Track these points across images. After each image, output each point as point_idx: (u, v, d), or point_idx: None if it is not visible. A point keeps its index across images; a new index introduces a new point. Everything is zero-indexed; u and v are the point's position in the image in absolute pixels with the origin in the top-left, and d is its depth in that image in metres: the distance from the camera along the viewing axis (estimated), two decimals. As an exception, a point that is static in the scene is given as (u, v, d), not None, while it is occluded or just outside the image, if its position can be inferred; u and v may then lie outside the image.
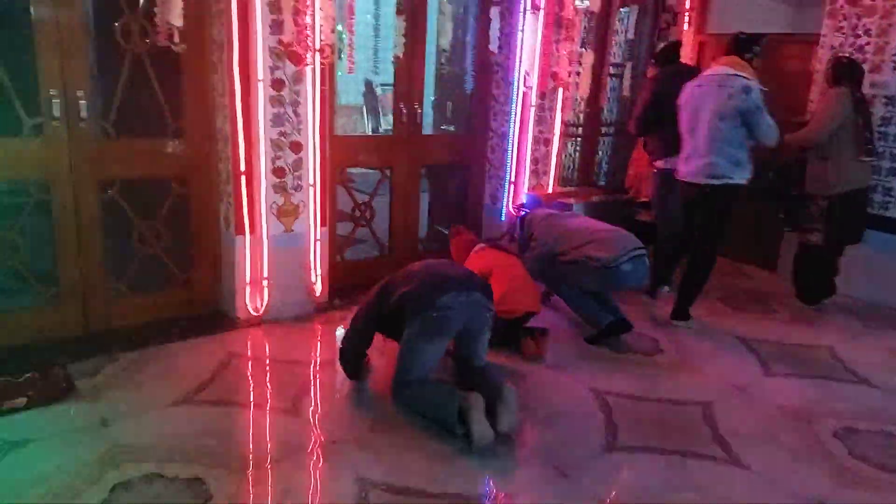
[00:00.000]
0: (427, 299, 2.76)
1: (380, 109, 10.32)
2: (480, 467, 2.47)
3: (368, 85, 10.31)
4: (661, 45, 4.89)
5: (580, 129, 5.59)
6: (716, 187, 3.78)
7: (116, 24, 3.27)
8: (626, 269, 3.60)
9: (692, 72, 4.42)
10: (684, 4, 5.51)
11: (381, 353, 3.18)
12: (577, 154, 5.71)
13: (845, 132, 4.09)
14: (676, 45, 4.66)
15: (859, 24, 4.54)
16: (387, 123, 9.42)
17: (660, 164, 4.41)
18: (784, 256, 5.04)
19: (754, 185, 4.31)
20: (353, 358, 3.02)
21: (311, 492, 2.33)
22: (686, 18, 5.55)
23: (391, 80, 6.14)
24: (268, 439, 2.64)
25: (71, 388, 2.86)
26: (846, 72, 4.22)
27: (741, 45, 3.88)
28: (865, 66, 4.52)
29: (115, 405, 2.76)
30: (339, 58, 8.70)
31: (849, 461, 2.65)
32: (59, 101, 3.14)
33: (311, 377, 3.18)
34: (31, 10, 3.02)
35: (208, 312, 3.78)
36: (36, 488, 2.21)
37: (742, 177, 3.79)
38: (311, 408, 2.88)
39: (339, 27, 3.90)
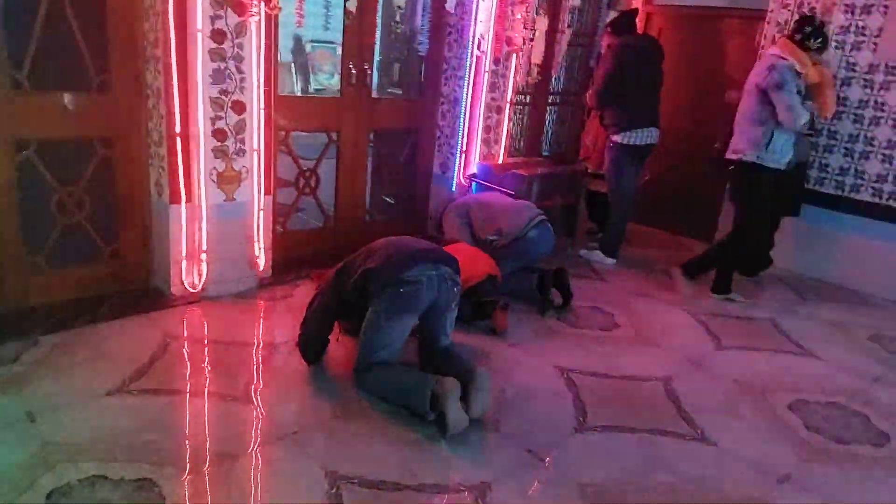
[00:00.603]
0: (393, 274, 2.59)
1: (310, 68, 9.82)
2: (455, 455, 2.36)
3: (297, 41, 9.75)
4: (615, 14, 4.80)
5: (528, 97, 5.46)
6: (733, 163, 3.89)
7: (28, -40, 2.84)
8: (532, 236, 3.80)
9: (653, 42, 4.38)
10: (633, -27, 5.44)
11: (337, 340, 2.99)
12: (525, 123, 5.59)
13: None
14: (632, 14, 4.56)
15: (804, 2, 4.62)
16: (316, 83, 8.98)
17: (616, 138, 4.37)
18: (722, 230, 5.17)
19: (702, 156, 4.43)
20: (313, 345, 2.82)
21: (277, 489, 2.14)
22: (634, -13, 5.49)
23: (324, 37, 5.77)
24: (221, 432, 2.41)
25: (-14, 377, 2.53)
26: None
27: (794, 29, 3.90)
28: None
29: (41, 396, 2.45)
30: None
31: (805, 433, 2.73)
32: (-41, 46, 2.71)
33: (261, 360, 2.95)
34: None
35: (139, 288, 3.46)
36: (-47, 498, 1.92)
37: (753, 156, 3.82)
38: (266, 395, 2.67)
39: None
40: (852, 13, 4.44)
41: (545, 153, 5.75)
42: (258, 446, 2.34)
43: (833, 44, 4.52)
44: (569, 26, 5.53)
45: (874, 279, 4.46)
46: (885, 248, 4.39)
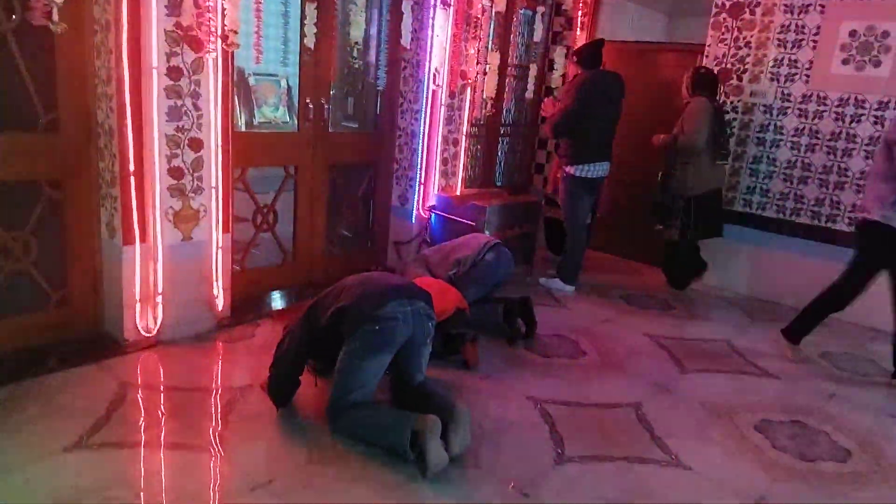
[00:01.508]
0: (368, 311, 2.55)
1: (254, 102, 9.70)
2: (438, 494, 2.31)
3: (239, 73, 9.65)
4: (582, 45, 4.87)
5: (481, 129, 5.55)
6: (859, 222, 3.59)
7: (-27, -4, 2.71)
8: (489, 259, 3.85)
9: (616, 78, 4.48)
10: (578, 10, 5.64)
11: (315, 385, 2.90)
12: (479, 154, 5.66)
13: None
14: (598, 46, 4.55)
15: (740, 37, 4.88)
16: (261, 116, 8.91)
17: (570, 170, 4.47)
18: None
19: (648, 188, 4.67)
20: (283, 388, 2.73)
21: (255, 544, 2.05)
22: (579, 24, 5.69)
23: (268, 70, 5.73)
24: (190, 485, 2.29)
25: (-74, 440, 2.33)
26: (705, 82, 4.57)
27: None
28: (745, 77, 4.89)
29: (-8, 456, 2.28)
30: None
31: (773, 453, 2.80)
32: None
33: (226, 407, 2.83)
34: None
35: (90, 335, 3.28)
36: None
37: (878, 214, 3.38)
38: (234, 443, 2.55)
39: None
40: (785, 47, 4.71)
41: (498, 183, 5.84)
42: (230, 498, 2.23)
43: (769, 75, 4.79)
44: (522, 61, 5.70)
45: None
46: (828, 268, 4.61)
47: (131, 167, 3.10)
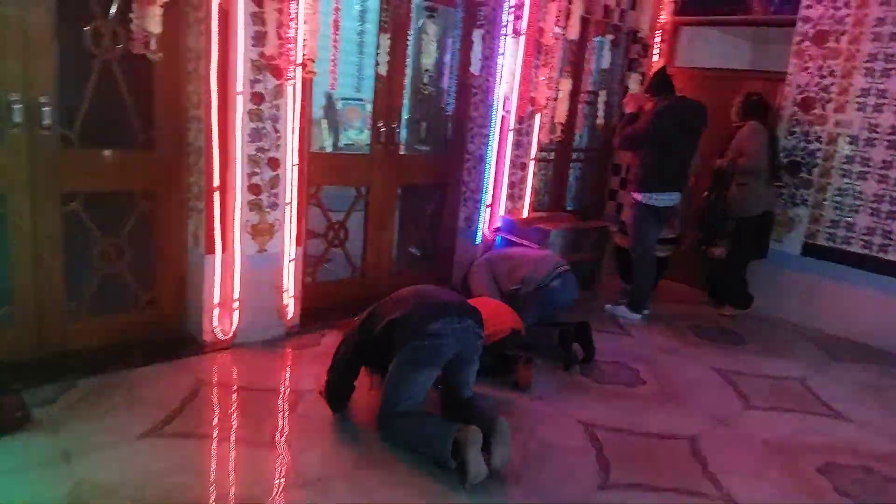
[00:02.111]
0: (418, 326, 2.66)
1: (340, 125, 10.17)
2: (476, 506, 2.37)
3: (329, 98, 10.16)
4: (636, 76, 4.91)
5: (552, 153, 5.60)
6: None
7: (86, 29, 3.07)
8: (555, 286, 3.88)
9: (697, 108, 4.42)
10: (653, 38, 5.62)
11: (370, 389, 3.04)
12: (549, 178, 5.71)
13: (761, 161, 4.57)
14: (662, 73, 4.58)
15: (824, 66, 4.72)
16: (346, 139, 9.33)
17: (638, 196, 4.43)
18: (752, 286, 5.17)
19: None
20: (338, 392, 2.87)
21: (298, 536, 2.17)
22: (656, 51, 5.66)
23: (354, 94, 6.04)
24: (247, 477, 2.46)
25: (27, 418, 2.62)
26: (756, 107, 4.66)
27: None
28: (829, 106, 4.71)
29: (77, 437, 2.54)
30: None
31: (833, 497, 2.67)
32: (19, 106, 2.92)
33: (288, 408, 3.01)
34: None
35: (173, 335, 3.56)
36: (-10, 535, 1.99)
37: None
38: (291, 442, 2.72)
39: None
40: (872, 76, 4.51)
41: (569, 208, 5.85)
42: (281, 493, 2.37)
43: (855, 105, 4.60)
44: (597, 88, 5.73)
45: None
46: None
47: (216, 183, 3.38)
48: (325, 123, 11.16)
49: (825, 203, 4.77)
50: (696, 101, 4.51)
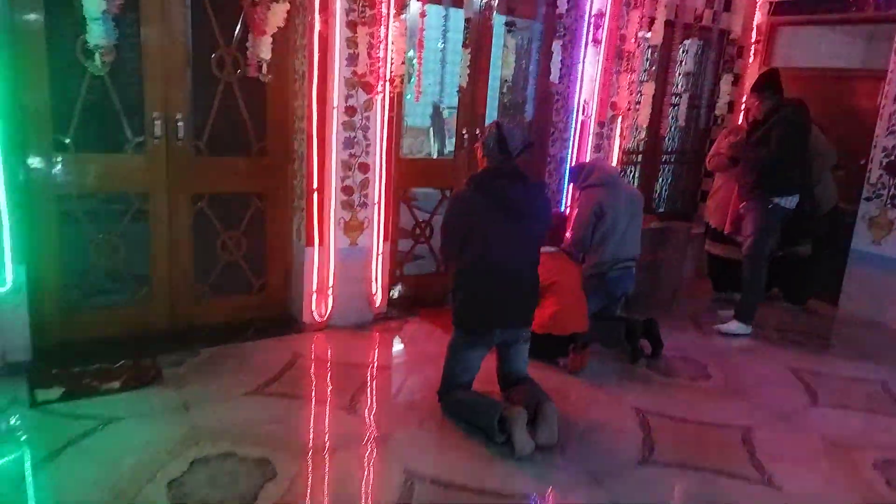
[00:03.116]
0: (470, 322, 2.97)
1: (445, 132, 10.68)
2: (518, 469, 2.64)
3: (436, 108, 10.69)
4: (731, 76, 4.87)
5: (640, 156, 5.71)
6: None
7: (212, 56, 3.69)
8: (612, 276, 4.01)
9: (804, 110, 4.36)
10: (750, 38, 5.57)
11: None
12: (637, 180, 5.81)
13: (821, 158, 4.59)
14: (772, 75, 4.45)
15: (926, 60, 4.51)
16: (451, 145, 9.80)
17: (773, 199, 4.34)
18: (846, 291, 5.00)
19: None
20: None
21: (362, 478, 2.57)
22: (752, 51, 5.60)
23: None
24: (326, 430, 2.92)
25: (158, 376, 3.22)
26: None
27: None
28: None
29: (196, 392, 3.10)
30: (409, 82, 9.03)
31: (884, 489, 2.68)
32: (160, 122, 3.56)
33: (368, 379, 3.44)
34: (142, 39, 3.46)
35: (279, 316, 4.12)
36: (127, 458, 2.54)
37: None
38: (367, 406, 3.14)
39: (411, 53, 4.21)
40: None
41: (660, 210, 5.92)
42: (353, 444, 2.79)
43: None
44: (685, 90, 5.77)
45: None
46: None
47: (315, 185, 3.90)
48: (432, 131, 11.76)
49: (932, 204, 4.55)
50: (799, 104, 4.38)
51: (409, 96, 8.97)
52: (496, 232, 2.87)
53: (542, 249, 3.50)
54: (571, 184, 4.49)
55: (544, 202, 3.07)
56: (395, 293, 4.52)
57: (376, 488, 2.52)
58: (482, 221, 2.87)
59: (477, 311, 2.94)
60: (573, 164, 4.75)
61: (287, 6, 3.49)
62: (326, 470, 2.60)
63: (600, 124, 4.88)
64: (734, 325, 4.48)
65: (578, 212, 4.08)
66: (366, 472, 2.61)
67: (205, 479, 2.44)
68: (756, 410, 3.34)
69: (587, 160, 4.63)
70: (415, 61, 4.00)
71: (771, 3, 5.49)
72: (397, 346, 3.92)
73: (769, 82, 4.42)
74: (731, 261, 4.92)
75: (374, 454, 2.72)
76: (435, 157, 10.15)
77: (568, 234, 4.07)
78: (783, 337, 4.45)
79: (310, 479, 2.52)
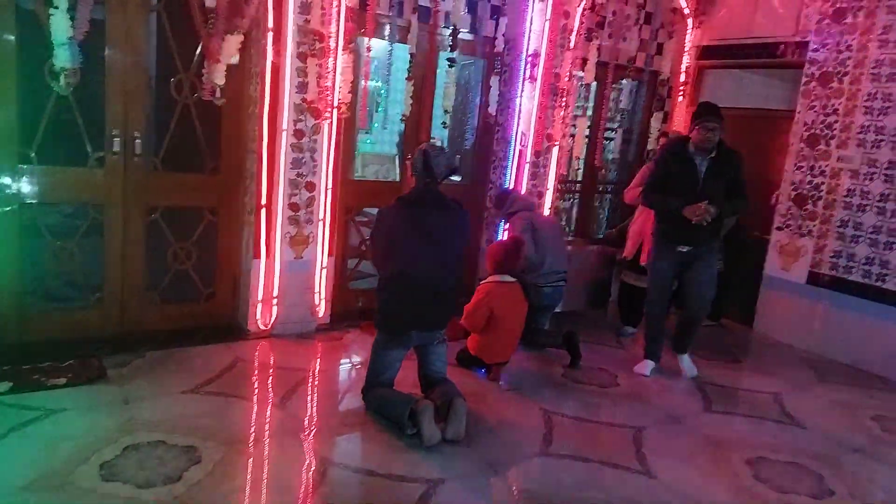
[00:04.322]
0: (392, 325, 3.28)
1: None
2: (425, 458, 2.94)
3: (402, 136, 11.10)
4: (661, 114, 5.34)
5: (578, 185, 6.13)
6: None
7: (172, 80, 4.01)
8: (546, 292, 4.44)
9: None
10: (679, 79, 6.06)
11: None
12: (577, 208, 6.22)
13: None
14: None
15: (828, 104, 5.00)
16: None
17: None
18: (760, 312, 5.42)
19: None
20: None
21: (281, 464, 2.84)
22: (681, 91, 6.08)
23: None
24: (254, 423, 3.18)
25: (103, 375, 3.47)
26: None
27: None
28: (833, 142, 4.98)
29: (136, 390, 3.35)
30: (378, 111, 9.34)
31: (750, 482, 3.02)
32: (119, 139, 3.86)
33: (302, 381, 3.71)
34: (106, 62, 3.76)
35: (225, 324, 4.39)
36: (65, 443, 2.78)
37: None
38: (296, 403, 3.41)
39: (377, 83, 4.58)
40: (871, 114, 4.76)
41: (600, 235, 6.32)
42: (278, 435, 3.06)
43: (856, 141, 4.84)
44: (619, 126, 6.23)
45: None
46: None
47: (263, 201, 4.21)
48: (398, 158, 12.10)
49: (829, 234, 4.99)
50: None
51: (376, 124, 9.36)
52: (414, 250, 3.19)
53: (501, 278, 3.88)
54: (497, 210, 4.86)
55: (462, 226, 3.38)
56: (360, 303, 4.89)
57: (293, 472, 2.79)
58: (401, 240, 3.20)
59: (396, 316, 3.26)
60: (495, 193, 5.15)
61: (241, 38, 3.84)
62: (248, 456, 2.87)
63: (536, 154, 5.28)
64: (687, 361, 4.38)
65: (516, 236, 4.43)
66: (282, 460, 2.88)
67: (135, 462, 2.69)
68: (652, 414, 3.68)
69: (508, 189, 5.03)
70: (361, 90, 4.37)
71: (698, 48, 5.99)
72: (335, 353, 4.20)
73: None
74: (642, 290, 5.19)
75: (296, 444, 3.00)
76: (366, 179, 10.57)
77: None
78: (694, 352, 4.80)
79: (232, 465, 2.78)
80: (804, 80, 5.17)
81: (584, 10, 5.18)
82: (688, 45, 5.99)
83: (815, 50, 5.09)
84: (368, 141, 8.43)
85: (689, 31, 5.96)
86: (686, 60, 6.03)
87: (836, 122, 4.97)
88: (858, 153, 4.83)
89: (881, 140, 4.71)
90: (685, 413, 3.74)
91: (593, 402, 3.76)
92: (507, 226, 4.75)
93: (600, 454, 3.14)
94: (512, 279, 3.98)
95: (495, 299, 3.83)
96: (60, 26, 3.28)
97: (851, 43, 4.88)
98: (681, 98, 6.11)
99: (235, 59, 3.82)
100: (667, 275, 4.22)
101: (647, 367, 4.29)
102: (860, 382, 4.52)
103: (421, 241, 3.19)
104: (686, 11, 5.86)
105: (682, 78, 6.07)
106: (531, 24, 5.03)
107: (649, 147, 6.09)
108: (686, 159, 3.99)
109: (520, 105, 5.16)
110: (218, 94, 3.89)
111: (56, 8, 3.25)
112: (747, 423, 3.68)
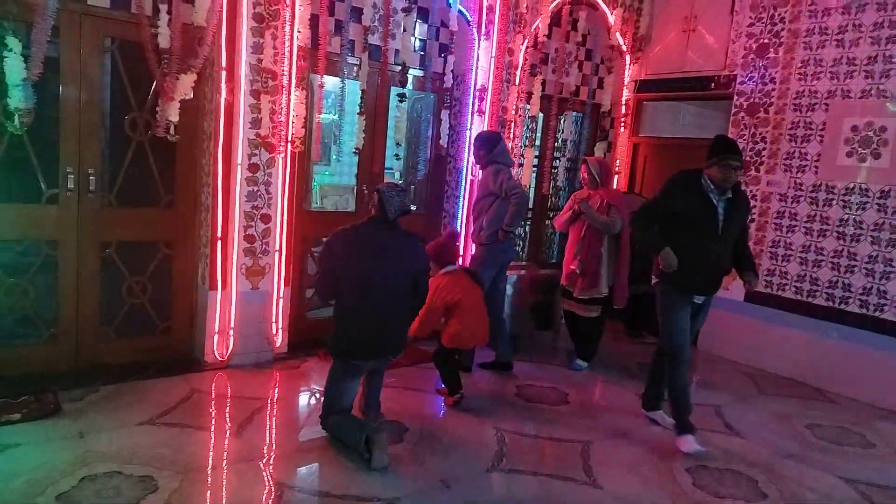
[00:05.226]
0: (349, 353, 3.38)
1: (371, 190, 11.26)
2: (380, 478, 3.03)
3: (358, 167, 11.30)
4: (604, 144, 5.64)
5: (530, 211, 6.36)
6: None
7: (126, 118, 4.10)
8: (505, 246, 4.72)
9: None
10: (619, 111, 6.39)
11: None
12: (529, 234, 6.44)
13: None
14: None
15: (757, 133, 5.36)
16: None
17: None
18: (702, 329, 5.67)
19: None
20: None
21: (238, 490, 2.90)
22: (622, 122, 6.42)
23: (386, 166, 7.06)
24: (210, 452, 3.22)
25: (58, 409, 3.47)
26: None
27: None
28: (762, 168, 5.32)
29: (92, 423, 3.36)
30: (335, 143, 9.43)
31: (689, 488, 3.20)
32: (73, 175, 3.92)
33: (260, 410, 3.76)
34: (60, 100, 3.83)
35: (181, 356, 4.41)
36: (21, 476, 2.79)
37: None
38: (254, 432, 3.47)
39: (335, 117, 4.72)
40: (795, 141, 5.12)
41: (552, 261, 6.54)
42: (234, 463, 3.11)
43: (783, 167, 5.20)
44: (565, 155, 6.52)
45: (837, 378, 4.82)
46: (842, 348, 4.78)
47: (219, 234, 4.29)
48: (355, 189, 12.21)
49: (763, 254, 5.31)
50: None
51: (334, 156, 9.48)
52: (367, 272, 3.31)
53: (444, 270, 4.01)
54: (482, 150, 4.68)
55: (414, 248, 3.53)
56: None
57: (249, 498, 2.85)
58: (352, 260, 3.30)
59: (353, 344, 3.36)
60: (483, 134, 4.89)
61: (194, 77, 3.97)
62: (205, 484, 2.91)
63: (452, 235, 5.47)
64: (660, 416, 4.03)
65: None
66: (242, 486, 2.93)
67: (92, 493, 2.72)
68: (600, 428, 3.84)
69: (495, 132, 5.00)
70: (314, 125, 4.53)
71: (636, 82, 6.35)
72: (293, 381, 4.26)
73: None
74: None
75: (253, 471, 3.05)
76: (324, 210, 10.76)
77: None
78: (642, 369, 5.02)
79: (189, 493, 2.82)
80: (734, 110, 5.53)
81: (527, 47, 5.47)
82: (626, 79, 6.34)
83: (743, 83, 5.47)
84: (327, 172, 8.57)
85: (627, 66, 6.32)
86: (626, 93, 6.38)
87: (764, 149, 5.32)
88: (786, 178, 5.18)
89: (805, 165, 5.07)
90: (631, 427, 3.91)
91: (544, 420, 3.90)
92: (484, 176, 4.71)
93: (550, 468, 3.27)
94: (454, 267, 4.15)
95: (445, 289, 3.95)
96: (14, 68, 3.35)
97: (775, 76, 5.26)
98: (622, 128, 6.44)
99: (189, 95, 3.94)
100: (688, 330, 3.70)
101: (690, 442, 3.61)
102: (797, 393, 4.78)
103: (372, 261, 3.30)
104: (623, 48, 6.22)
105: (623, 110, 6.40)
106: (478, 60, 5.29)
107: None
108: (702, 196, 3.53)
109: (470, 137, 5.38)
110: (172, 130, 3.99)
111: (10, 50, 3.33)
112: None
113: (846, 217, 4.84)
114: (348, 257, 3.31)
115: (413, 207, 3.50)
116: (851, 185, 4.81)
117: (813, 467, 3.57)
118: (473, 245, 4.93)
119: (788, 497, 3.19)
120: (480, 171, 4.78)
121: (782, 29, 5.21)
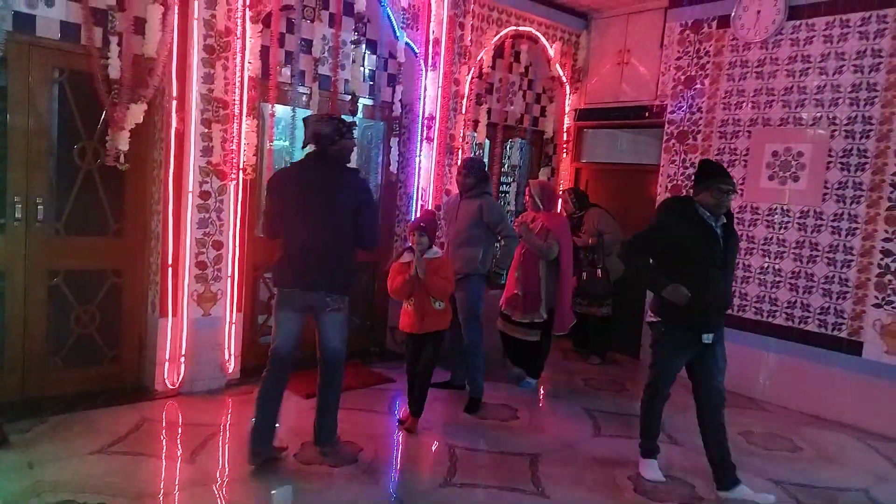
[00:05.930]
0: (277, 281, 3.51)
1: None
2: (336, 495, 3.10)
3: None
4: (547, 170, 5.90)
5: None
6: None
7: (75, 147, 4.10)
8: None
9: None
10: (562, 138, 6.70)
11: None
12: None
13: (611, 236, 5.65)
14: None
15: (686, 158, 5.71)
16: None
17: None
18: (644, 346, 5.94)
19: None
20: None
21: (193, 514, 2.93)
22: (564, 148, 6.72)
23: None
24: (163, 478, 3.24)
25: (5, 441, 3.42)
26: (586, 197, 5.97)
27: None
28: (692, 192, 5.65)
29: (41, 454, 3.33)
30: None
31: (631, 495, 3.39)
32: (20, 205, 3.90)
33: (212, 436, 3.78)
34: (7, 128, 3.82)
35: (131, 384, 4.38)
36: (-33, 511, 2.77)
37: None
38: (207, 457, 3.49)
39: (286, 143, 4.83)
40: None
41: (502, 281, 6.72)
42: (187, 489, 3.14)
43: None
44: (513, 180, 6.76)
45: (768, 387, 5.14)
46: (784, 362, 5.10)
47: (170, 261, 4.31)
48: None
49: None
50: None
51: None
52: (295, 205, 3.37)
53: (441, 253, 4.17)
54: (472, 178, 4.65)
55: (350, 184, 3.47)
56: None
57: (206, 521, 2.89)
58: (285, 196, 3.42)
59: (282, 272, 3.45)
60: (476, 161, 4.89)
61: (144, 107, 4.03)
62: (160, 508, 2.94)
63: (437, 208, 5.65)
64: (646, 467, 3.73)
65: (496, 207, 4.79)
66: (196, 509, 2.97)
67: (43, 523, 2.71)
68: (548, 442, 4.01)
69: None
70: (266, 152, 4.64)
71: (576, 111, 6.68)
72: (246, 407, 4.27)
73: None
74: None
75: (207, 495, 3.08)
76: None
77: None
78: (587, 384, 5.25)
79: (144, 517, 2.85)
80: (665, 137, 5.88)
81: (472, 78, 5.71)
82: (567, 108, 6.66)
83: (672, 112, 5.83)
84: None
85: (567, 95, 6.64)
86: (567, 121, 6.69)
87: (693, 174, 5.66)
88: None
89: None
90: (577, 439, 4.09)
91: (495, 436, 4.04)
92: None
93: (500, 480, 3.41)
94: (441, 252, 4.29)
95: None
96: (-38, 97, 3.35)
97: (702, 105, 5.64)
98: (565, 154, 6.75)
99: (140, 121, 3.99)
100: (678, 368, 3.61)
101: (652, 467, 3.59)
102: (732, 403, 5.00)
103: (301, 196, 3.37)
104: (563, 79, 6.55)
105: (565, 136, 6.71)
106: (425, 90, 5.49)
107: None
108: (702, 224, 3.37)
109: (419, 163, 5.57)
110: (122, 159, 4.03)
111: (-42, 80, 3.34)
112: (631, 445, 4.02)
113: (770, 236, 5.20)
114: (281, 193, 3.46)
115: (327, 130, 3.28)
116: (774, 206, 5.18)
117: (745, 471, 3.79)
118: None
119: (722, 500, 3.41)
120: (460, 199, 4.76)
121: (707, 62, 5.60)
